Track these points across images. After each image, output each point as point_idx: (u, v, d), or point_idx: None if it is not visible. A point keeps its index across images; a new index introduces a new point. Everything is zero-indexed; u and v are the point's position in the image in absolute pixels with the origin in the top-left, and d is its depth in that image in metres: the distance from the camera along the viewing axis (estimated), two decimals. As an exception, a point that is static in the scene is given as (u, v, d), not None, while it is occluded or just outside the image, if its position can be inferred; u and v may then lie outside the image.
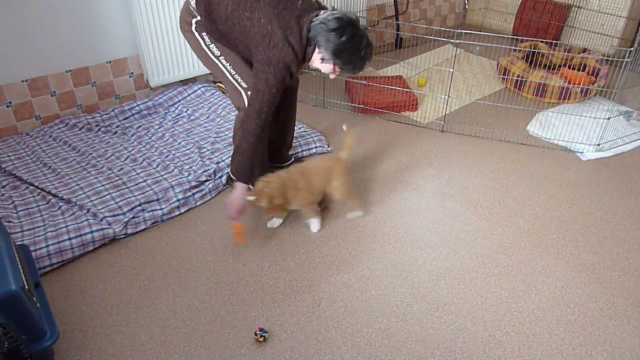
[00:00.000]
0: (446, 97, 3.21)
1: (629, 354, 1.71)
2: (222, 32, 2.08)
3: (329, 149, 2.83)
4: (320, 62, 2.01)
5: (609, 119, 2.96)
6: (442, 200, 2.48)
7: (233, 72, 2.17)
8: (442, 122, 3.14)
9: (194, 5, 2.11)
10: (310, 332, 1.77)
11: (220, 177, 2.49)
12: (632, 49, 2.71)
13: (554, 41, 3.50)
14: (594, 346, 1.74)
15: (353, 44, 1.93)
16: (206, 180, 2.45)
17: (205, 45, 2.16)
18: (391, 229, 2.27)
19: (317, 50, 1.98)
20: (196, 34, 2.16)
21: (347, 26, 1.91)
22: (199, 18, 2.11)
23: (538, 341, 1.75)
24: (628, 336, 1.78)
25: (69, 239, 2.02)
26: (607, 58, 3.40)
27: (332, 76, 2.08)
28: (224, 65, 2.17)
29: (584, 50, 3.83)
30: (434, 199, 2.49)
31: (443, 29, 3.53)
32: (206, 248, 2.14)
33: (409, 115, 3.26)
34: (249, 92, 2.11)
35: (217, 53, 2.16)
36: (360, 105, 3.23)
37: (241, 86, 2.17)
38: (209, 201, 2.41)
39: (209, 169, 2.49)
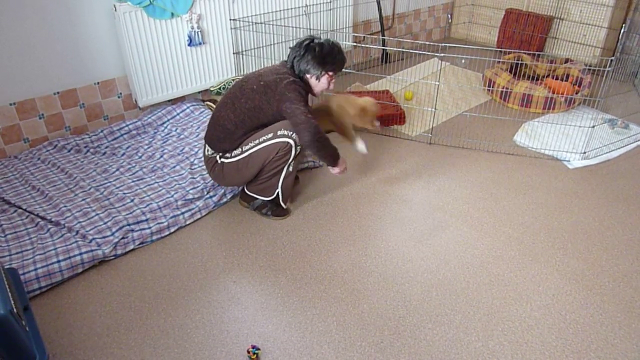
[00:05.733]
0: (433, 110, 3.25)
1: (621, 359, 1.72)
2: (237, 134, 2.24)
3: (320, 164, 2.84)
4: (317, 81, 2.29)
5: (593, 127, 3.01)
6: (431, 211, 2.49)
7: (263, 138, 2.23)
8: (429, 135, 3.17)
9: (210, 149, 2.33)
10: (303, 347, 1.76)
11: (212, 196, 2.49)
12: (613, 58, 2.77)
13: (537, 52, 3.56)
14: (586, 352, 1.74)
15: (325, 48, 2.23)
16: (196, 199, 2.45)
17: (239, 157, 2.26)
18: (381, 242, 2.28)
19: (308, 76, 2.28)
20: (224, 160, 2.30)
21: (309, 43, 2.23)
22: (217, 152, 2.31)
23: (531, 349, 1.75)
24: (619, 342, 1.79)
25: (58, 261, 2.01)
26: (590, 68, 3.46)
27: (331, 86, 2.34)
28: (256, 145, 2.24)
29: (567, 60, 3.90)
30: (423, 210, 2.50)
31: (428, 43, 3.58)
32: (197, 267, 2.13)
33: (398, 128, 3.29)
34: (284, 132, 2.21)
35: (245, 148, 2.25)
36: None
37: (276, 136, 2.22)
38: (199, 220, 2.41)
39: (197, 186, 2.49)
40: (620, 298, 1.97)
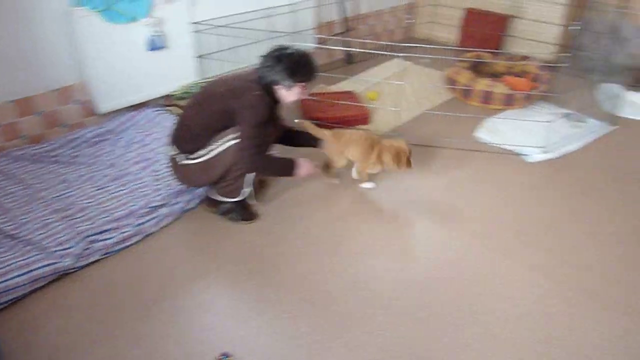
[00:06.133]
0: (397, 109, 3.29)
1: (586, 346, 1.77)
2: (203, 135, 2.21)
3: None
4: (288, 91, 2.24)
5: (551, 122, 3.10)
6: (398, 210, 2.52)
7: (229, 137, 2.20)
8: (395, 134, 3.21)
9: (175, 149, 2.28)
10: (275, 352, 1.75)
11: (178, 203, 2.45)
12: (568, 54, 2.86)
13: (496, 50, 3.66)
14: (553, 341, 1.79)
15: (295, 59, 2.20)
16: (160, 206, 2.40)
17: (204, 157, 2.23)
18: (351, 243, 2.29)
19: (278, 87, 2.23)
20: (189, 161, 2.26)
21: (278, 54, 2.19)
22: (182, 152, 2.26)
23: (501, 341, 1.79)
24: (584, 329, 1.85)
25: (18, 275, 1.93)
26: (547, 64, 3.56)
27: (304, 95, 2.32)
28: (222, 145, 2.21)
29: (525, 57, 4.01)
30: (391, 209, 2.53)
31: (391, 43, 3.62)
32: (164, 275, 2.09)
33: (363, 129, 3.31)
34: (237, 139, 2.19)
35: (211, 148, 2.22)
36: (314, 122, 3.26)
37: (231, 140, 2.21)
38: (165, 227, 2.36)
39: (162, 193, 2.45)
40: (583, 287, 2.04)
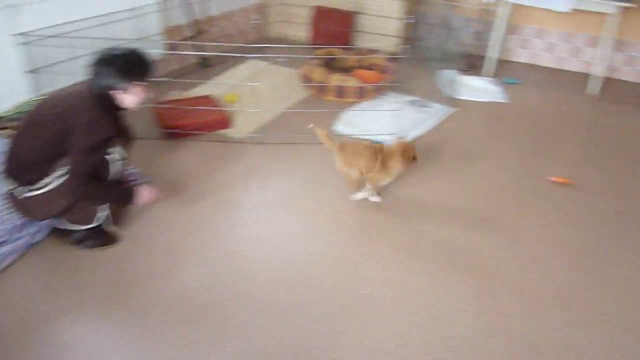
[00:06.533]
0: (257, 110, 3.28)
1: (440, 313, 1.94)
2: (43, 162, 2.01)
3: (145, 179, 2.67)
4: (126, 93, 2.05)
5: (400, 109, 3.33)
6: (268, 210, 2.52)
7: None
8: (257, 135, 3.20)
9: (13, 183, 2.05)
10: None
11: (20, 238, 2.18)
12: (408, 45, 3.09)
13: (346, 46, 3.82)
14: (423, 313, 1.93)
15: (124, 57, 2.03)
16: (1, 244, 2.12)
17: (49, 187, 2.01)
18: (221, 250, 2.23)
19: (114, 92, 2.03)
20: (32, 193, 2.02)
21: (105, 56, 2.02)
22: (18, 185, 2.04)
23: (372, 322, 1.88)
24: (447, 298, 2.01)
25: None
26: (392, 56, 3.82)
27: (146, 96, 2.13)
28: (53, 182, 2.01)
29: (372, 51, 4.26)
30: (260, 210, 2.52)
31: (245, 45, 3.60)
32: (14, 321, 1.84)
33: (224, 132, 3.26)
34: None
35: (55, 175, 2.02)
36: (170, 131, 3.13)
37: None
38: (10, 267, 2.09)
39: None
40: (438, 257, 2.23)
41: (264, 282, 2.06)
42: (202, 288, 2.02)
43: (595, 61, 4.32)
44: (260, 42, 4.95)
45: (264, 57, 4.35)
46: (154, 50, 3.62)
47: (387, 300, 1.99)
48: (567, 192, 2.76)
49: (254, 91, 3.75)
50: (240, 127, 3.32)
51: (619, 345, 1.84)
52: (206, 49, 4.35)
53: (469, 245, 2.33)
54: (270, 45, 3.17)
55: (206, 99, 3.44)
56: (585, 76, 4.35)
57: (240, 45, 4.67)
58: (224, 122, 3.26)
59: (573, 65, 4.77)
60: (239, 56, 4.36)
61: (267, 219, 2.45)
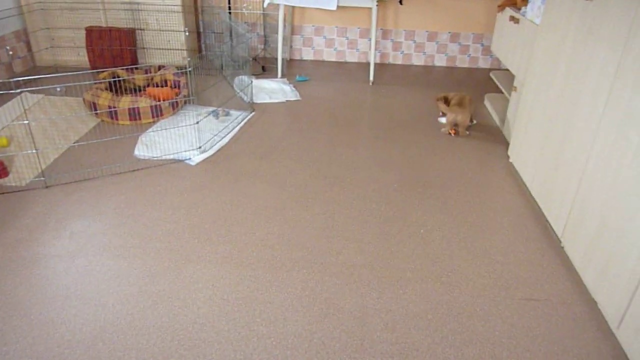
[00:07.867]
0: (36, 150, 2.89)
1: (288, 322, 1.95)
2: None
3: None
4: None
5: (200, 122, 3.26)
6: (70, 258, 2.24)
7: None
8: (42, 179, 2.82)
9: None
10: None
11: None
12: (198, 57, 3.02)
13: (132, 65, 3.59)
14: (253, 321, 1.91)
15: None
16: None
17: None
18: (26, 318, 1.91)
19: None
20: None
21: None
22: None
23: (209, 345, 1.80)
24: (275, 299, 2.02)
25: None
26: (182, 69, 3.71)
27: None
28: None
29: (161, 67, 4.09)
30: (60, 261, 2.22)
31: (10, 80, 3.13)
32: None
33: (2, 182, 2.80)
34: None
35: None
36: None
37: None
38: None
39: None
40: (265, 264, 2.24)
41: (78, 336, 1.82)
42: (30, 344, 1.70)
43: (369, 50, 4.82)
44: (29, 74, 4.38)
45: (37, 89, 3.87)
46: None
47: (218, 321, 1.93)
48: (355, 163, 3.03)
49: (30, 130, 3.30)
50: (22, 173, 2.89)
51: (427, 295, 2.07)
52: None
53: (269, 240, 2.38)
54: (44, 75, 2.80)
55: (-32, 149, 2.91)
56: (365, 65, 4.83)
57: (7, 81, 4.07)
58: (1, 170, 2.80)
59: (354, 57, 5.26)
60: (3, 93, 3.80)
61: (70, 269, 2.18)
